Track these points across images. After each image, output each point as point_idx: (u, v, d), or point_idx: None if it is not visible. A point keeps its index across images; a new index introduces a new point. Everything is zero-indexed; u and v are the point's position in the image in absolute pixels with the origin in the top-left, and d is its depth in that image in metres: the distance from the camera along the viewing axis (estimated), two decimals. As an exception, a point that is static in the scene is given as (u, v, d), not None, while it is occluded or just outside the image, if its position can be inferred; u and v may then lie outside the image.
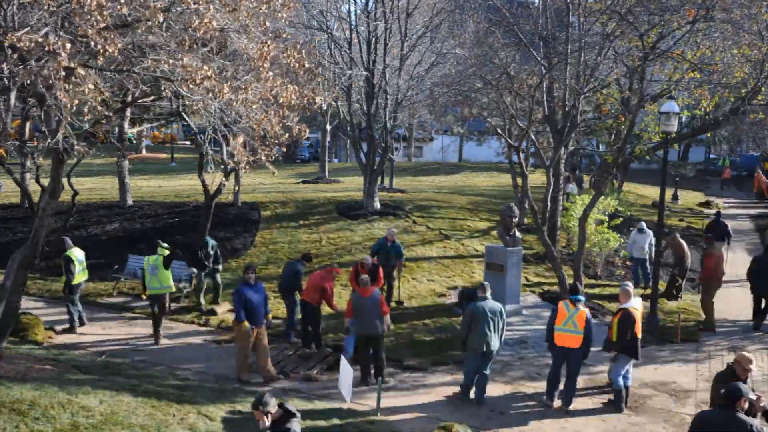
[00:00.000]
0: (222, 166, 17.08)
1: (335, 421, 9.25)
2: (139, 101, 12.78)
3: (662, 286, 15.80)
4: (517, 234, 15.10)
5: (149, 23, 7.62)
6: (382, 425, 9.33)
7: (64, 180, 11.21)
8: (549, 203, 18.93)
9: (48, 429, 7.51)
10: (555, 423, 9.74)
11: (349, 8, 32.05)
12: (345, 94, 22.08)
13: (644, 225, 17.04)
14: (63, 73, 7.19)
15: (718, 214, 20.07)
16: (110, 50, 7.08)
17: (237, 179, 21.92)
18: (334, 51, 22.31)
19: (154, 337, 12.67)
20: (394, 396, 10.46)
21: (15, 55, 7.19)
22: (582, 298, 10.34)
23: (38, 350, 11.53)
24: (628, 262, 18.20)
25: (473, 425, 9.48)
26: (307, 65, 9.84)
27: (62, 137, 8.57)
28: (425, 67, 23.63)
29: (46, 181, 10.16)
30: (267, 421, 5.86)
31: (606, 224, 17.87)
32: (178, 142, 55.73)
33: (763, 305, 14.28)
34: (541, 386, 11.04)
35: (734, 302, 16.19)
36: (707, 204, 31.36)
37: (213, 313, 14.23)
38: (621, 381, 10.20)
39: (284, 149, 24.35)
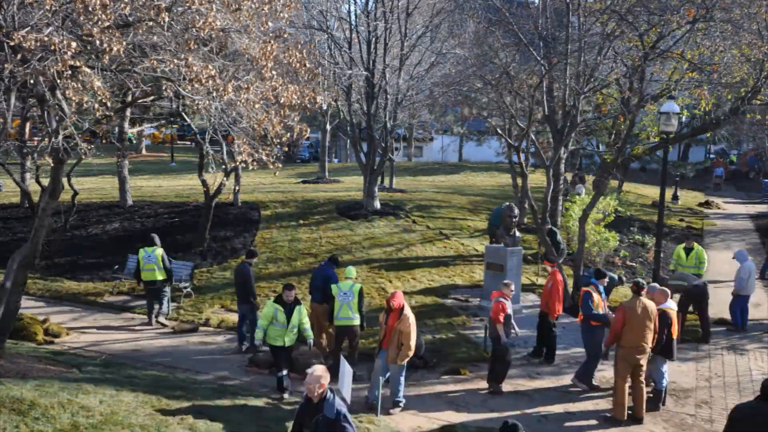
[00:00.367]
0: (222, 166, 17.13)
1: (335, 421, 9.24)
2: (140, 101, 12.78)
3: None
4: (517, 234, 15.12)
5: (150, 23, 7.63)
6: (382, 425, 9.33)
7: (64, 180, 11.21)
8: (549, 203, 18.94)
9: (48, 429, 7.50)
10: (555, 423, 9.74)
11: (349, 8, 32.06)
12: (345, 94, 22.07)
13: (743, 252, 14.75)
14: (69, 72, 7.20)
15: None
16: (115, 49, 7.10)
17: (237, 179, 21.92)
18: (334, 51, 22.31)
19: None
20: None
21: (18, 56, 7.20)
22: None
23: (38, 350, 11.52)
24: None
25: (473, 425, 9.49)
26: (308, 65, 9.85)
27: (63, 137, 8.57)
28: (425, 67, 23.63)
29: (46, 181, 10.16)
30: None
31: (602, 224, 17.87)
32: (178, 142, 55.70)
33: None
34: (540, 385, 11.05)
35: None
36: (707, 204, 31.37)
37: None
38: (664, 381, 10.36)
39: (285, 149, 24.37)
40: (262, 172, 20.73)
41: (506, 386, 10.93)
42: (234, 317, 13.98)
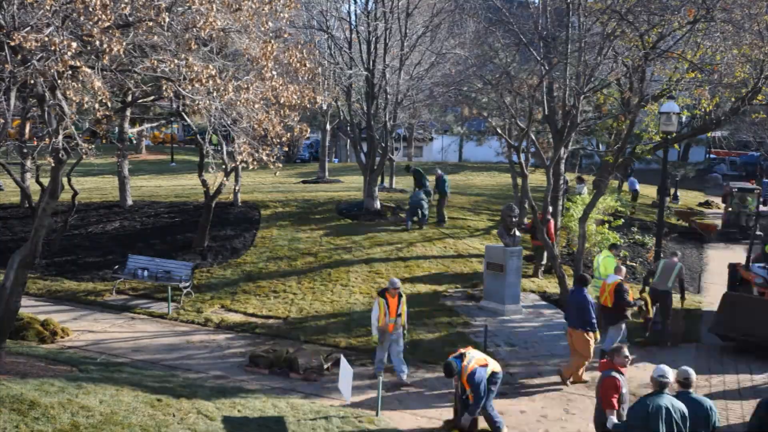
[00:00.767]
0: (223, 166, 17.13)
1: (335, 420, 9.25)
2: (140, 101, 12.78)
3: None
4: (517, 234, 15.12)
5: (150, 23, 7.63)
6: (382, 425, 9.33)
7: (64, 180, 11.21)
8: (549, 203, 18.93)
9: (48, 429, 7.51)
10: (556, 423, 9.74)
11: (349, 8, 32.05)
12: (345, 94, 22.07)
13: None
14: (69, 72, 7.20)
15: None
16: (115, 49, 7.10)
17: (237, 179, 21.91)
18: (334, 51, 22.31)
19: None
20: (394, 396, 10.47)
21: (18, 56, 7.20)
22: None
23: (38, 350, 11.53)
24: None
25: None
26: (308, 65, 9.85)
27: (63, 137, 8.57)
28: (425, 67, 23.62)
29: (46, 181, 10.15)
30: None
31: (607, 225, 17.86)
32: (178, 142, 55.69)
33: None
34: (540, 384, 11.05)
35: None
36: (707, 204, 31.38)
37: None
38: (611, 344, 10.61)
39: (285, 149, 24.35)
40: (262, 172, 20.74)
41: (506, 386, 10.92)
42: (234, 316, 14.00)
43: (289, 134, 10.61)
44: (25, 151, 17.77)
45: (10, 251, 10.77)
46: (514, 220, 15.07)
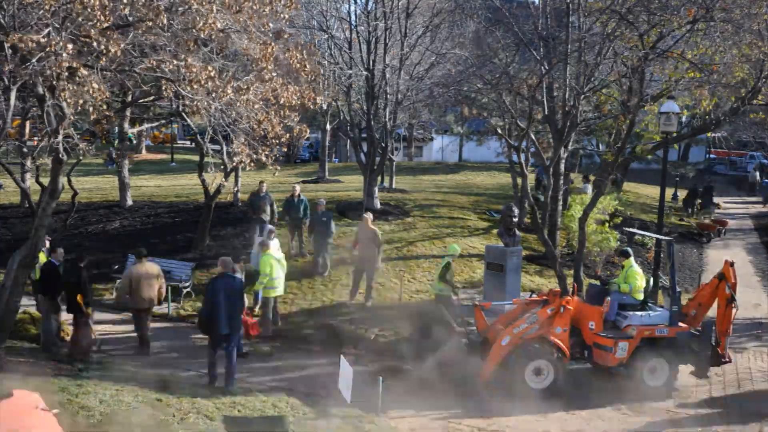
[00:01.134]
0: (222, 166, 17.13)
1: (335, 420, 9.25)
2: (139, 101, 12.79)
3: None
4: (518, 234, 15.12)
5: (150, 24, 7.63)
6: (382, 425, 9.33)
7: (65, 180, 11.21)
8: (549, 203, 18.94)
9: (48, 429, 7.50)
10: (555, 423, 9.75)
11: (349, 8, 32.06)
12: (345, 94, 22.08)
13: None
14: (66, 73, 7.20)
15: None
16: (113, 50, 7.10)
17: (237, 179, 21.92)
18: (334, 51, 22.31)
19: None
20: (394, 396, 10.46)
21: (17, 56, 7.20)
22: None
23: (38, 350, 11.52)
24: None
25: (474, 425, 9.50)
26: (308, 66, 9.86)
27: (62, 137, 8.58)
28: (425, 67, 23.62)
29: (46, 181, 10.17)
30: None
31: (607, 224, 17.86)
32: (178, 142, 55.68)
33: None
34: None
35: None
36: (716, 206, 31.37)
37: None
38: None
39: (285, 149, 24.35)
40: (262, 172, 20.72)
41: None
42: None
43: (288, 135, 10.62)
44: (25, 151, 17.78)
45: (10, 251, 10.77)
46: (514, 220, 15.07)
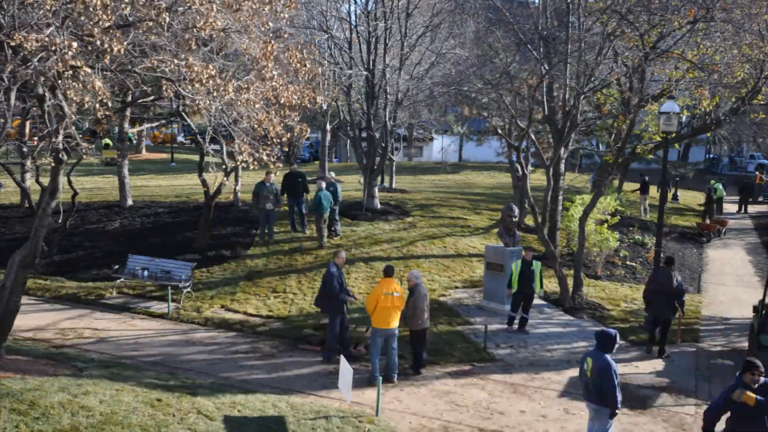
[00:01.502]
0: (223, 166, 17.13)
1: (335, 420, 9.25)
2: (139, 101, 12.78)
3: None
4: (517, 233, 15.13)
5: (150, 23, 7.64)
6: (382, 425, 9.33)
7: (65, 180, 11.22)
8: (549, 203, 18.94)
9: (48, 429, 7.51)
10: (555, 423, 9.75)
11: (349, 8, 32.05)
12: (345, 94, 22.08)
13: None
14: (70, 72, 7.20)
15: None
16: (116, 49, 7.10)
17: (237, 179, 21.92)
18: (334, 51, 22.31)
19: None
20: (394, 396, 10.47)
21: (19, 56, 7.20)
22: None
23: (38, 349, 11.53)
24: (628, 262, 18.11)
25: (474, 425, 9.49)
26: (308, 65, 9.86)
27: (63, 137, 8.57)
28: (425, 67, 23.63)
29: (46, 181, 10.16)
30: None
31: (606, 224, 17.87)
32: (179, 140, 55.65)
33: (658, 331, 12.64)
34: (540, 384, 11.05)
35: (735, 301, 16.22)
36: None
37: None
38: None
39: (285, 149, 24.36)
40: (262, 172, 20.64)
41: (506, 386, 10.91)
42: (234, 316, 14.00)
43: (289, 134, 10.62)
44: (25, 151, 17.78)
45: (10, 251, 10.77)
46: (514, 220, 15.08)
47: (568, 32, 15.47)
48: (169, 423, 8.22)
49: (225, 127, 10.82)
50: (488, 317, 14.07)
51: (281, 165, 10.62)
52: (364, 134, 23.99)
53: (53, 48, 6.96)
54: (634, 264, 18.89)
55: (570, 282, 15.36)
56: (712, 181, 26.09)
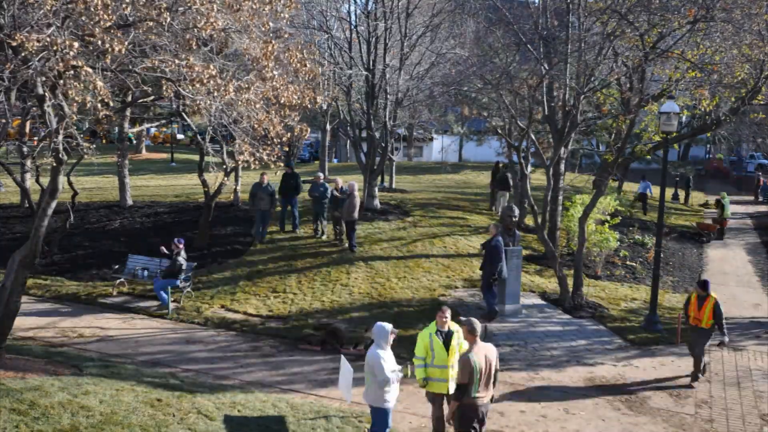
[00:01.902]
0: (223, 166, 17.14)
1: (335, 420, 9.26)
2: (139, 101, 12.79)
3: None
4: (518, 233, 15.13)
5: (151, 23, 7.64)
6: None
7: (65, 180, 11.22)
8: (549, 203, 18.94)
9: (48, 429, 7.51)
10: (555, 423, 9.75)
11: (349, 8, 32.06)
12: (345, 94, 22.08)
13: None
14: (71, 72, 7.21)
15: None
16: (117, 49, 7.10)
17: (237, 179, 21.92)
18: (334, 51, 22.32)
19: None
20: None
21: (19, 56, 7.20)
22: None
23: (38, 350, 11.53)
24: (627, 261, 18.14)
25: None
26: (308, 65, 9.86)
27: (63, 137, 8.57)
28: (425, 67, 23.63)
29: (46, 181, 10.16)
30: None
31: (607, 224, 17.88)
32: (179, 138, 55.62)
33: None
34: (540, 384, 11.05)
35: (735, 301, 16.22)
36: (707, 204, 31.39)
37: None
38: None
39: (286, 148, 24.37)
40: (260, 174, 20.61)
41: (505, 386, 10.93)
42: (234, 316, 14.01)
43: (289, 134, 10.62)
44: (25, 151, 17.78)
45: (10, 251, 10.77)
46: (514, 220, 15.08)
47: (568, 32, 15.47)
48: (169, 423, 8.22)
49: (225, 126, 10.83)
50: (490, 318, 14.07)
51: (281, 165, 10.63)
52: (364, 134, 23.99)
53: (54, 48, 6.97)
54: (634, 264, 18.89)
55: (570, 282, 15.37)
56: (722, 194, 25.54)
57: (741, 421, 10.02)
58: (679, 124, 16.47)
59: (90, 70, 7.53)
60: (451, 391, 8.23)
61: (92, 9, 6.99)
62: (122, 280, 15.68)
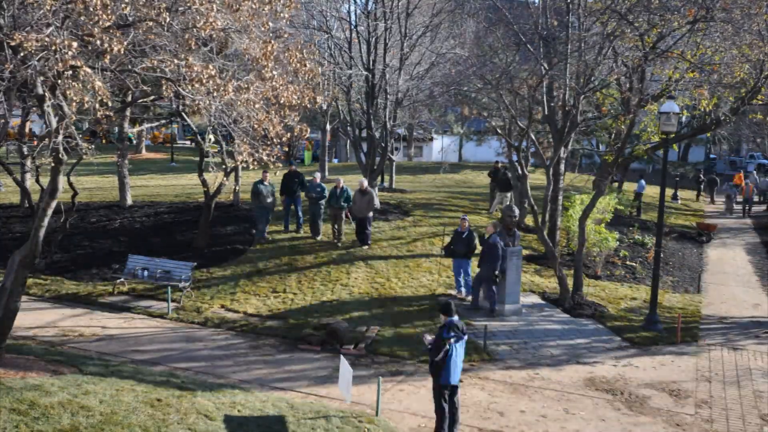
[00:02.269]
0: (223, 166, 17.14)
1: (335, 420, 9.25)
2: (139, 101, 12.79)
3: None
4: (518, 233, 15.14)
5: (150, 23, 7.64)
6: (382, 425, 9.33)
7: (65, 180, 11.21)
8: (549, 203, 18.94)
9: (48, 429, 7.51)
10: (555, 423, 9.75)
11: (349, 8, 32.08)
12: (345, 94, 22.09)
13: None
14: (70, 72, 7.21)
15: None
16: (116, 49, 7.10)
17: (237, 179, 21.91)
18: (334, 51, 22.33)
19: None
20: (393, 396, 10.47)
21: (19, 56, 7.19)
22: None
23: (38, 350, 11.53)
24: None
25: (474, 425, 9.49)
26: (308, 65, 9.86)
27: (63, 137, 8.57)
28: (425, 67, 23.64)
29: (46, 181, 10.16)
30: None
31: (603, 223, 17.87)
32: (179, 142, 55.61)
33: None
34: (540, 384, 11.05)
35: (735, 301, 16.23)
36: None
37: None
38: None
39: (285, 148, 24.40)
40: (260, 172, 20.59)
41: (506, 387, 10.92)
42: (234, 316, 14.01)
43: (289, 134, 10.63)
44: (25, 151, 17.77)
45: (10, 251, 10.77)
46: (514, 220, 15.09)
47: (568, 32, 15.47)
48: (169, 423, 8.22)
49: (225, 126, 10.82)
50: (488, 317, 14.08)
51: (281, 165, 10.63)
52: (364, 134, 23.99)
53: (53, 48, 6.97)
54: (634, 264, 18.89)
55: (570, 282, 15.37)
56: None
57: (741, 421, 10.02)
58: (679, 124, 16.47)
59: (89, 70, 7.54)
60: None
61: (91, 9, 7.00)
62: (122, 280, 15.69)
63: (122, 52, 7.49)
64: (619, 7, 13.99)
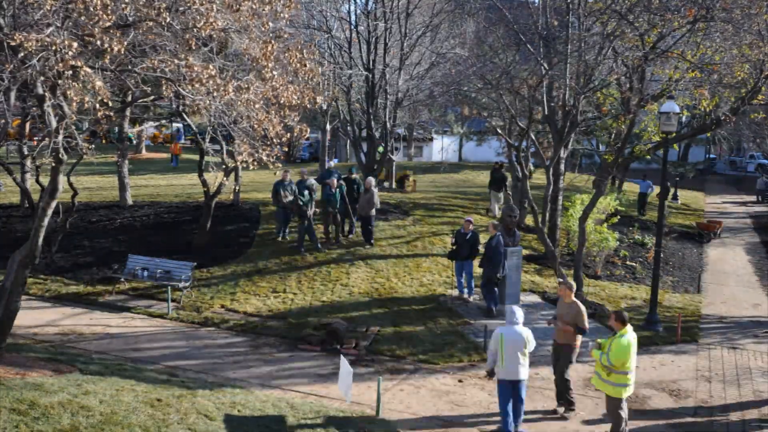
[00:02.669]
0: (223, 166, 17.13)
1: (335, 420, 9.26)
2: (140, 101, 12.80)
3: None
4: (518, 233, 15.14)
5: (150, 23, 7.64)
6: (382, 425, 9.34)
7: (65, 180, 11.23)
8: (549, 203, 18.94)
9: (48, 429, 7.51)
10: (555, 424, 9.76)
11: (349, 8, 32.07)
12: (345, 94, 22.10)
13: None
14: (70, 72, 7.21)
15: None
16: (116, 49, 7.11)
17: (237, 179, 21.91)
18: (334, 51, 22.34)
19: None
20: (394, 396, 10.48)
21: (19, 56, 7.20)
22: None
23: (38, 349, 11.53)
24: (627, 261, 18.12)
25: (474, 425, 9.49)
26: (308, 65, 9.86)
27: (63, 137, 8.58)
28: (425, 67, 23.64)
29: (46, 181, 10.17)
30: None
31: (605, 224, 17.87)
32: (181, 142, 55.63)
33: None
34: (540, 384, 11.05)
35: (734, 301, 16.23)
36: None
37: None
38: None
39: (285, 149, 24.40)
40: (262, 172, 20.73)
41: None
42: (234, 316, 14.01)
43: (289, 134, 10.63)
44: (25, 151, 17.77)
45: (10, 251, 10.78)
46: (514, 220, 15.09)
47: (568, 32, 15.48)
48: (169, 423, 8.22)
49: (225, 127, 10.83)
50: (488, 316, 14.07)
51: (281, 165, 10.63)
52: (364, 134, 23.99)
53: (53, 48, 6.97)
54: (634, 264, 18.89)
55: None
56: None
57: (741, 421, 10.02)
58: (679, 124, 16.47)
59: (89, 70, 7.54)
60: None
61: (92, 9, 7.00)
62: (122, 279, 15.69)
63: (122, 52, 7.49)
64: (619, 7, 13.99)
